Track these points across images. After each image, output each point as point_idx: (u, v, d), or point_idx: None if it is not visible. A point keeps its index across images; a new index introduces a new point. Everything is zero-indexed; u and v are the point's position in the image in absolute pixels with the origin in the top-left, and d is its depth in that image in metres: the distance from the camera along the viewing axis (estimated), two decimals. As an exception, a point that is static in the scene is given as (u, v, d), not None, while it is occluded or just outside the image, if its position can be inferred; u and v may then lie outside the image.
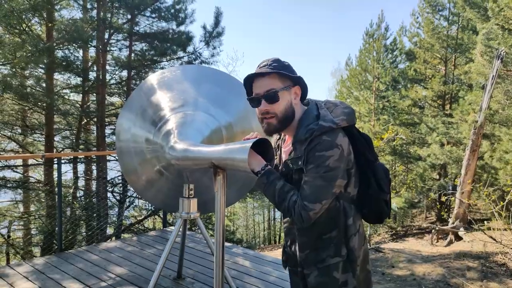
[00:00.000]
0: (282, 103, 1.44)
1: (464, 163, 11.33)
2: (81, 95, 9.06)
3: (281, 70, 1.44)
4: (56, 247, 7.70)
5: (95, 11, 8.83)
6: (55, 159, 4.88)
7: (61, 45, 7.15)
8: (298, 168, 1.41)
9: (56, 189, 8.58)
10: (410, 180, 14.35)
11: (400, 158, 17.11)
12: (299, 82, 1.49)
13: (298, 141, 1.42)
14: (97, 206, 6.92)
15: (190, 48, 7.81)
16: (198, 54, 7.76)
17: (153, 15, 7.90)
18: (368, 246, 9.23)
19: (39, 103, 8.30)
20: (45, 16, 7.89)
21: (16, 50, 5.97)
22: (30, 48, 6.14)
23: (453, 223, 11.44)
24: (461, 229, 11.03)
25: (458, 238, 10.84)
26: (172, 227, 5.73)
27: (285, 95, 1.44)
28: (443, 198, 11.59)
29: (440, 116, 15.11)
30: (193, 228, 7.82)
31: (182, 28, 7.96)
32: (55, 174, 8.80)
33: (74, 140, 8.83)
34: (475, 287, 5.68)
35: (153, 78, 3.14)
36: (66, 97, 8.45)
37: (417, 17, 18.33)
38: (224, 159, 1.73)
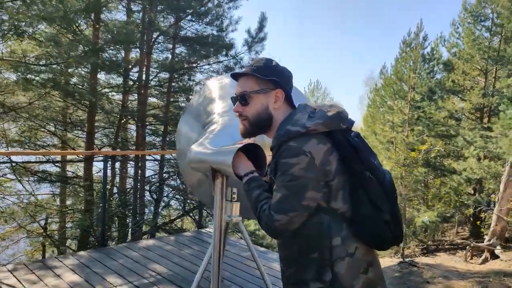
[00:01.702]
0: (254, 106, 1.38)
1: (503, 178, 10.92)
2: (121, 95, 9.37)
3: (261, 72, 1.36)
4: (93, 241, 7.98)
5: (137, 14, 9.16)
6: (102, 156, 5.08)
7: (107, 46, 7.44)
8: (271, 177, 1.35)
9: (100, 185, 8.86)
10: (444, 194, 13.92)
11: (434, 171, 16.64)
12: (281, 85, 1.38)
13: (272, 148, 1.34)
14: (134, 204, 7.13)
15: (231, 53, 7.96)
16: (239, 59, 7.89)
17: (197, 19, 8.09)
18: (402, 259, 8.90)
19: (83, 101, 8.64)
20: (93, 17, 8.25)
21: (71, 50, 6.27)
22: (82, 48, 6.43)
23: (489, 240, 11.03)
24: (498, 247, 10.61)
25: (494, 256, 10.44)
26: (207, 229, 5.83)
27: (259, 98, 1.37)
28: (482, 214, 11.17)
29: (478, 130, 14.61)
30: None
31: (224, 33, 8.12)
32: (94, 170, 9.15)
33: (113, 138, 9.13)
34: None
35: (211, 83, 3.25)
36: (110, 96, 8.76)
37: (457, 27, 17.87)
38: (216, 163, 1.73)
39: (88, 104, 8.56)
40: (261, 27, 7.61)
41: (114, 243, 7.27)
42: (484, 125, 15.56)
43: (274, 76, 1.37)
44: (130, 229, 6.88)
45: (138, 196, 7.09)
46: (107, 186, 8.74)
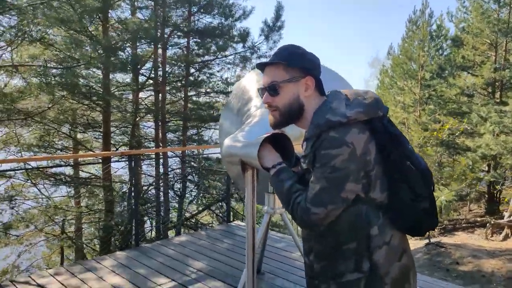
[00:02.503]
0: (285, 96, 1.33)
1: (522, 154, 10.81)
2: (133, 93, 9.35)
3: (288, 59, 1.32)
4: (117, 241, 8.04)
5: (144, 10, 9.07)
6: (125, 156, 5.07)
7: (124, 45, 7.39)
8: (307, 168, 1.29)
9: (118, 185, 8.90)
10: (459, 172, 13.85)
11: (447, 149, 16.52)
12: (311, 73, 1.33)
13: (308, 138, 1.29)
14: (157, 202, 7.15)
15: (248, 43, 7.86)
16: (257, 49, 7.79)
17: (210, 12, 7.98)
18: (429, 241, 8.88)
19: (97, 102, 8.64)
20: (101, 17, 8.19)
21: (92, 51, 6.25)
22: (94, 48, 6.40)
23: (509, 216, 10.98)
24: (519, 223, 10.57)
25: (516, 232, 10.40)
26: (236, 222, 5.85)
27: (289, 87, 1.32)
28: (503, 191, 11.10)
29: (491, 105, 14.44)
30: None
31: (239, 23, 8.00)
32: (112, 170, 9.18)
33: (129, 137, 9.14)
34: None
35: (248, 76, 3.22)
36: (123, 94, 8.74)
37: (464, 1, 17.54)
38: (243, 155, 1.69)
39: (103, 105, 8.56)
40: (278, 16, 7.49)
41: (144, 242, 7.34)
42: (496, 100, 15.38)
43: (302, 64, 1.33)
44: (156, 226, 6.92)
45: (163, 193, 7.11)
46: (128, 186, 8.81)
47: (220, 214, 7.71)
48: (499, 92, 15.79)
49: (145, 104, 8.98)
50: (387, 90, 19.23)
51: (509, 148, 11.87)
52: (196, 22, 8.34)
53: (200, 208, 8.76)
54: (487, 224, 11.15)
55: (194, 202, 7.98)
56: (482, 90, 16.25)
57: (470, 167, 13.72)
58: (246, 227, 2.01)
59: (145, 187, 9.13)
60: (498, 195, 15.48)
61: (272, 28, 7.52)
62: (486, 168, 15.51)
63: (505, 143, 11.90)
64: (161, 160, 7.89)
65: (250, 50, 7.85)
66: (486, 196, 16.09)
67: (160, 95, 8.13)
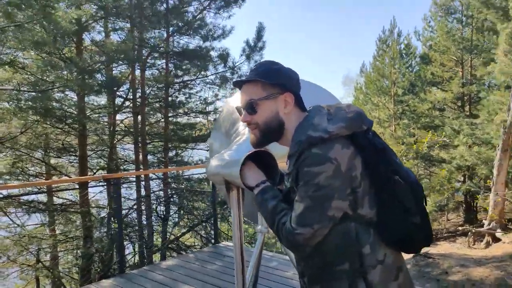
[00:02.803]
0: (263, 113, 1.29)
1: (495, 163, 11.18)
2: (109, 115, 9.12)
3: (265, 76, 1.27)
4: (97, 269, 7.65)
5: (120, 32, 8.96)
6: (104, 180, 4.84)
7: (101, 67, 7.22)
8: (291, 186, 1.23)
9: (95, 210, 8.53)
10: (437, 183, 14.18)
11: (423, 161, 16.95)
12: (289, 89, 1.29)
13: (290, 156, 1.23)
14: (139, 225, 6.87)
15: (229, 63, 7.85)
16: (237, 69, 7.79)
17: (189, 32, 7.97)
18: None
19: (72, 125, 8.37)
20: (75, 39, 8.02)
21: (68, 74, 6.05)
22: (71, 71, 6.20)
23: (488, 224, 11.22)
24: (498, 230, 10.81)
25: (496, 239, 10.62)
26: (224, 243, 5.67)
27: (267, 104, 1.28)
28: (480, 200, 11.40)
29: (462, 118, 14.99)
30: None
31: (218, 42, 8.01)
32: (90, 196, 8.82)
33: (107, 160, 8.85)
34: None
35: (235, 95, 3.16)
36: (99, 117, 8.51)
37: (429, 21, 18.39)
38: (227, 175, 1.63)
39: (79, 128, 8.29)
40: (259, 37, 7.55)
41: (128, 268, 6.99)
42: (466, 113, 15.99)
43: (280, 80, 1.28)
44: (139, 251, 6.61)
45: (146, 216, 6.84)
46: (108, 210, 8.46)
47: (205, 235, 7.50)
48: (468, 106, 16.45)
49: (124, 126, 8.75)
50: (363, 106, 19.70)
51: (482, 158, 12.27)
52: (174, 42, 8.30)
53: (184, 230, 8.50)
54: (469, 233, 11.35)
55: (178, 224, 7.73)
56: (452, 104, 16.88)
57: (447, 178, 14.08)
58: (234, 248, 1.91)
59: (125, 211, 8.80)
60: (475, 204, 15.87)
61: (253, 48, 7.57)
62: (462, 179, 15.96)
63: (478, 154, 12.30)
64: (143, 183, 7.64)
65: (230, 70, 7.84)
66: (464, 205, 16.49)
67: (139, 116, 7.95)
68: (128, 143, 8.84)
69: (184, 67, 8.09)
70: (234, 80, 1.26)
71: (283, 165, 1.41)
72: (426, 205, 1.28)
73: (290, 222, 1.17)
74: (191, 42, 8.12)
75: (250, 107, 1.29)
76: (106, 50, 6.55)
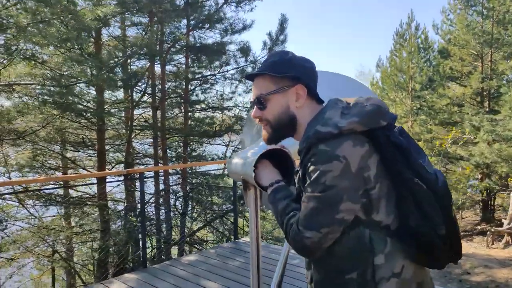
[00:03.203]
0: (273, 108, 1.21)
1: (517, 160, 10.91)
2: (127, 109, 9.15)
3: (274, 68, 1.19)
4: (114, 262, 7.72)
5: (139, 26, 8.95)
6: (133, 175, 4.82)
7: (124, 61, 7.21)
8: (299, 184, 1.16)
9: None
10: (455, 181, 13.91)
11: (442, 159, 16.65)
12: (302, 81, 1.19)
13: (299, 152, 1.15)
14: (157, 220, 6.89)
15: (250, 57, 7.77)
16: (259, 63, 7.66)
17: (209, 26, 7.88)
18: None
19: (91, 119, 8.43)
20: (94, 34, 8.05)
21: (92, 69, 6.08)
22: (92, 66, 6.23)
23: (508, 224, 10.99)
24: (519, 230, 10.58)
25: (516, 239, 10.40)
26: (245, 238, 5.66)
27: (277, 99, 1.20)
28: (499, 199, 11.16)
29: (482, 114, 14.65)
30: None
31: (239, 37, 7.93)
32: (107, 190, 8.89)
33: (124, 154, 8.91)
34: None
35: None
36: (116, 111, 8.57)
37: (448, 14, 17.97)
38: (243, 174, 1.58)
39: (98, 123, 8.35)
40: (282, 29, 7.40)
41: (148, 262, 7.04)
42: (486, 109, 15.62)
43: (291, 71, 1.19)
44: (156, 246, 6.64)
45: (164, 211, 6.86)
46: (124, 204, 8.52)
47: (221, 231, 7.50)
48: (487, 102, 16.06)
49: (143, 121, 8.77)
50: (378, 102, 19.46)
51: (503, 156, 11.99)
52: (195, 37, 8.23)
53: (201, 225, 8.51)
54: (488, 232, 11.12)
55: (196, 219, 7.73)
56: (471, 99, 16.51)
57: (467, 176, 13.81)
58: (250, 247, 1.88)
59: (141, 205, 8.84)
60: (493, 203, 15.57)
61: (275, 41, 7.42)
62: (479, 177, 15.63)
63: (499, 151, 12.02)
64: (162, 178, 7.65)
65: (252, 65, 7.73)
66: (481, 204, 16.18)
67: (158, 111, 7.94)
68: (148, 137, 8.86)
69: (204, 61, 8.01)
70: (246, 73, 1.20)
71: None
72: (454, 214, 1.13)
73: (297, 224, 1.09)
74: (211, 36, 8.06)
75: (259, 102, 1.22)
76: (127, 45, 6.53)
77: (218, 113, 8.37)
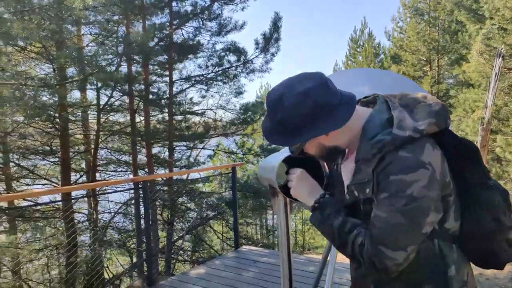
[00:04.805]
0: (312, 150, 1.11)
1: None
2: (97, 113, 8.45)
3: (281, 136, 1.03)
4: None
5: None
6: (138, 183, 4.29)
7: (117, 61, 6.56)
8: (367, 197, 1.01)
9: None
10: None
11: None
12: (324, 128, 1.00)
13: (363, 160, 1.00)
14: (138, 232, 6.34)
15: (241, 58, 7.42)
16: (251, 63, 7.38)
17: (200, 25, 7.44)
18: None
19: (54, 124, 7.69)
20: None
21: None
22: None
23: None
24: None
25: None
26: (246, 247, 5.40)
27: (308, 146, 1.09)
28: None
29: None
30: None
31: (230, 37, 7.56)
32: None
33: (91, 163, 8.20)
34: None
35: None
36: (83, 115, 7.84)
37: (398, 22, 19.03)
38: (270, 180, 1.43)
39: (61, 127, 7.61)
40: (276, 28, 7.13)
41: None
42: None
43: (302, 127, 0.99)
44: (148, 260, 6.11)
45: (150, 222, 6.31)
46: (92, 217, 7.82)
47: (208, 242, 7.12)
48: (438, 104, 17.18)
49: (118, 125, 8.09)
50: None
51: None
52: (181, 34, 7.74)
53: (187, 235, 8.00)
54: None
55: (192, 232, 7.26)
56: (423, 103, 17.55)
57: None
58: (281, 259, 1.73)
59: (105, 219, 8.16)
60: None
61: (269, 40, 7.15)
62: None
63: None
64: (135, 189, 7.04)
65: (244, 65, 7.41)
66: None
67: (139, 115, 7.37)
68: (124, 143, 8.14)
69: (190, 61, 7.57)
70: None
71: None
72: None
73: (373, 243, 0.96)
74: (199, 35, 7.60)
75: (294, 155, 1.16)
76: (130, 43, 5.90)
77: (204, 116, 7.93)
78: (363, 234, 0.99)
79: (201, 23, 7.35)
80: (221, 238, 7.23)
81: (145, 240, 4.27)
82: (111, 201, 8.21)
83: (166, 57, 7.26)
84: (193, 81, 7.57)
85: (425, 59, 17.65)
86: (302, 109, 0.97)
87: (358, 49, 19.75)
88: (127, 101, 7.69)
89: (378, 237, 0.95)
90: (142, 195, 4.22)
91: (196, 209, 7.42)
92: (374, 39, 19.69)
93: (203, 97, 7.95)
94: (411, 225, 0.93)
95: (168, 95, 7.22)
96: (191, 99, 7.88)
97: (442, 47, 17.14)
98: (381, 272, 0.97)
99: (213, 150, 8.41)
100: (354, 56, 19.78)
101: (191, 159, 7.98)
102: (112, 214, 8.07)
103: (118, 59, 6.35)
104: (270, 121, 1.04)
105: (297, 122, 0.98)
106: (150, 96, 7.05)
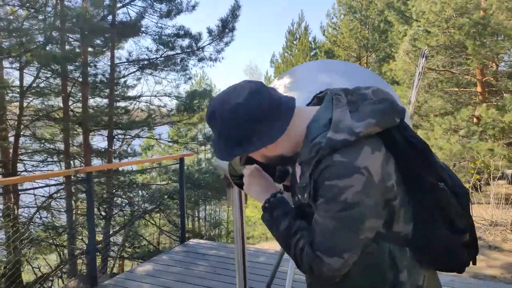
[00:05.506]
0: (259, 159, 1.08)
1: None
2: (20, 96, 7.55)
3: (223, 156, 1.00)
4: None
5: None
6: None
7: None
8: (306, 202, 0.98)
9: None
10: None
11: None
12: (263, 141, 0.97)
13: (304, 162, 0.97)
14: (70, 228, 5.82)
15: (189, 43, 6.99)
16: (202, 50, 6.96)
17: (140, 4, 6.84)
18: None
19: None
20: None
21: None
22: None
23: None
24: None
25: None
26: (193, 240, 5.22)
27: (254, 156, 1.07)
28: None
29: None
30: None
31: (180, 19, 7.05)
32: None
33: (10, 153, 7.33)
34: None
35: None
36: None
37: (332, 18, 19.76)
38: (226, 170, 1.48)
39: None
40: (234, 16, 6.75)
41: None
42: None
43: (238, 142, 0.97)
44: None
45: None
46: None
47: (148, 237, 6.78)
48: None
49: (45, 111, 7.25)
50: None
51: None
52: (124, 14, 7.08)
53: (126, 228, 7.51)
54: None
55: (132, 226, 6.77)
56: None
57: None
58: (235, 250, 1.73)
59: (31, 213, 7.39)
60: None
61: (224, 28, 6.80)
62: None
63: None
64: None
65: (195, 52, 6.99)
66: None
67: (75, 100, 6.66)
68: (52, 132, 7.30)
69: (135, 44, 7.02)
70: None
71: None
72: (471, 215, 1.06)
73: (312, 248, 0.93)
74: (145, 16, 7.00)
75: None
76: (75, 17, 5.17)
77: (155, 103, 7.41)
78: (305, 238, 0.96)
79: (150, 2, 6.85)
80: (166, 232, 6.93)
81: (88, 238, 3.91)
82: (36, 195, 7.43)
83: (108, 35, 6.66)
84: (138, 66, 7.06)
85: (355, 56, 18.58)
86: (233, 125, 0.94)
87: (295, 42, 20.16)
88: (56, 82, 6.93)
89: (315, 243, 0.93)
90: (86, 188, 3.83)
91: (135, 203, 7.01)
92: (310, 33, 20.24)
93: (146, 82, 7.51)
94: (346, 232, 0.90)
95: (109, 78, 6.65)
96: (134, 84, 7.36)
97: (372, 45, 18.17)
98: (321, 277, 0.94)
99: (156, 139, 7.97)
100: (291, 49, 20.17)
101: (131, 149, 7.49)
102: (36, 208, 7.32)
103: (49, 34, 5.62)
104: (213, 134, 1.02)
105: (232, 137, 0.96)
106: (89, 79, 6.43)
